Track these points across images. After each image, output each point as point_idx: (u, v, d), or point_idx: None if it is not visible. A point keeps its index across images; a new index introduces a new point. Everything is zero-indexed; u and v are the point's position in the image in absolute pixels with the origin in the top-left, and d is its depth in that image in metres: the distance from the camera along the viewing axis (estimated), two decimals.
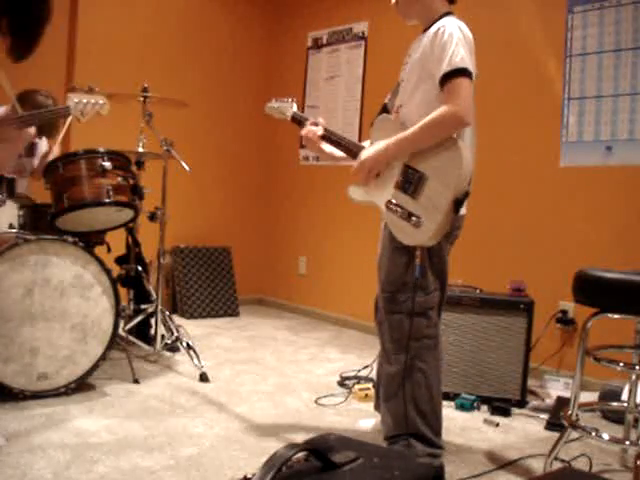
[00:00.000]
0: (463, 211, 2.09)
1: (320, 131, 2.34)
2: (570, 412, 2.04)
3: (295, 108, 2.51)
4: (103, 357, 2.75)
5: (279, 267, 5.23)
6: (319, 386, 3.10)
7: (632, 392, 2.23)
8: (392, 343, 2.12)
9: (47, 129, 3.32)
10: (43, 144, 3.55)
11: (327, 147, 2.39)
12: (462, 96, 1.92)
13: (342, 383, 3.12)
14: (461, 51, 1.95)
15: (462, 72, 1.94)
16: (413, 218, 1.99)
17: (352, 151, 2.26)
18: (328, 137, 2.34)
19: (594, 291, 1.97)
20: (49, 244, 2.61)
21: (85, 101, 2.54)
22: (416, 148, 2.02)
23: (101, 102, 2.58)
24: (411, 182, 2.02)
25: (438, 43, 1.98)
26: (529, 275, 3.26)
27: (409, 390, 2.07)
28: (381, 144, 2.10)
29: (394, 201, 2.06)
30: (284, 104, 2.54)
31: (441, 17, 2.08)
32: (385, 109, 2.33)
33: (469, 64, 1.97)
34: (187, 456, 2.16)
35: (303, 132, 2.37)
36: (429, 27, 2.09)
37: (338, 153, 2.38)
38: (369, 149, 2.15)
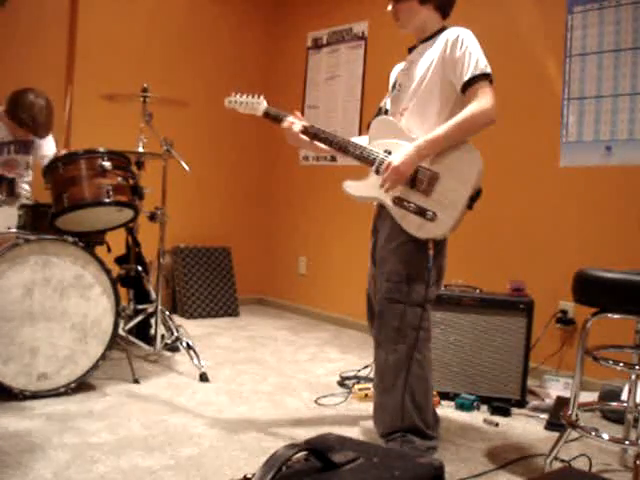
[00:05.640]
0: None
1: (298, 127, 2.33)
2: (570, 412, 2.04)
3: (265, 104, 2.48)
4: (103, 357, 2.75)
5: (279, 267, 5.23)
6: (319, 386, 3.10)
7: (632, 392, 2.23)
8: (393, 333, 2.16)
9: (44, 122, 3.22)
10: (51, 144, 3.53)
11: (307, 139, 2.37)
12: (491, 96, 2.02)
13: (342, 383, 3.13)
14: (483, 58, 2.05)
15: (487, 77, 2.04)
16: (428, 213, 2.07)
17: (342, 147, 2.24)
18: (314, 134, 2.32)
19: (594, 291, 1.97)
20: (49, 244, 2.61)
21: None
22: (448, 145, 2.07)
23: None
24: (423, 180, 2.09)
25: (460, 49, 2.06)
26: (529, 275, 3.26)
27: (408, 381, 2.11)
28: (410, 147, 2.09)
29: (404, 197, 2.12)
30: (252, 100, 2.51)
31: (440, 30, 2.17)
32: (380, 112, 2.36)
33: (491, 71, 2.06)
34: (187, 456, 2.16)
35: (285, 125, 2.37)
36: (427, 39, 2.19)
37: (321, 145, 2.36)
38: (398, 155, 2.10)
